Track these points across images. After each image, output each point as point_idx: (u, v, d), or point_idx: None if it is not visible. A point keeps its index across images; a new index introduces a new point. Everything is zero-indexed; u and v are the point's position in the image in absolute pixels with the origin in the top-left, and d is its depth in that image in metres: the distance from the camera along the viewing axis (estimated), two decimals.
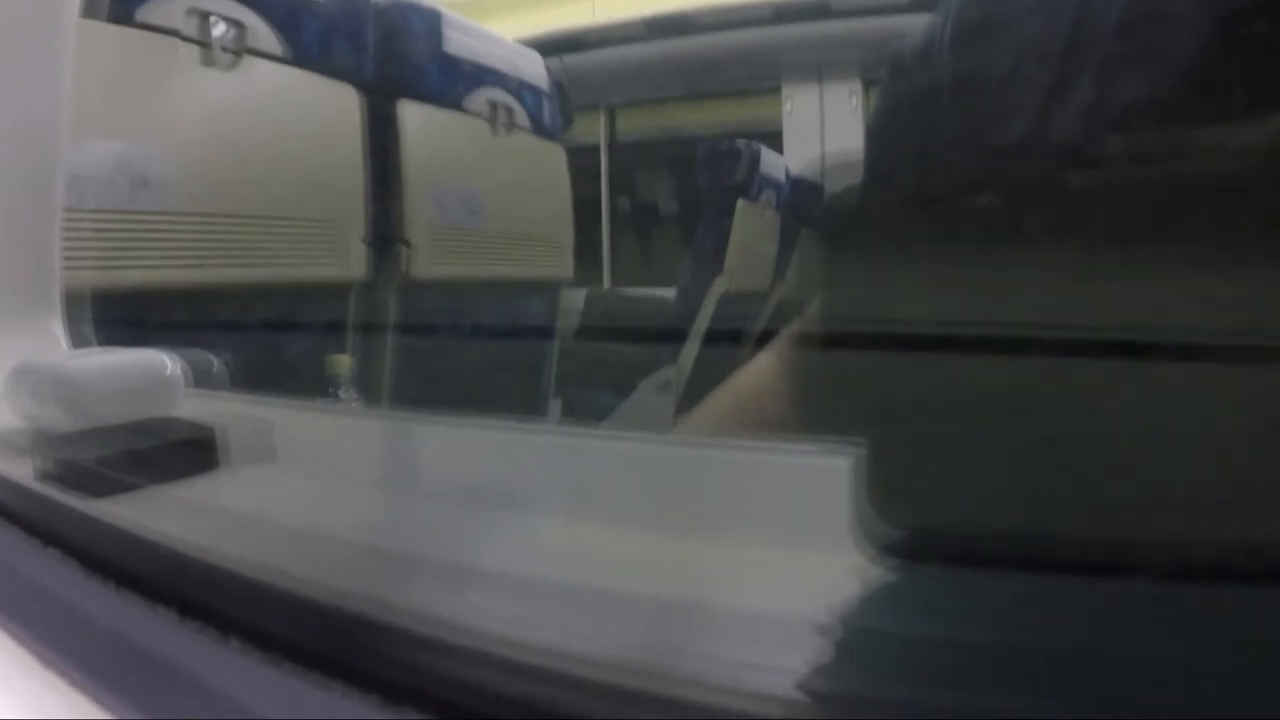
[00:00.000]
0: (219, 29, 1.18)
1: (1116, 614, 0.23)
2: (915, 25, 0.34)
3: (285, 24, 1.27)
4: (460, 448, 0.59)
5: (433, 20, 1.52)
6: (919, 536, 0.28)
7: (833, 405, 0.36)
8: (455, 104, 1.55)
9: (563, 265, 1.79)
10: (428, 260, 1.46)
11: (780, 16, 2.45)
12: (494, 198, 1.60)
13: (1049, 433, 0.25)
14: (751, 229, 2.17)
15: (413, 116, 1.47)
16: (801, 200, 2.33)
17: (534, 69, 1.73)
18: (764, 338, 0.45)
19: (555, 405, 1.74)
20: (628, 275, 2.87)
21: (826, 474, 0.34)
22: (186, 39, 1.15)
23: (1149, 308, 0.24)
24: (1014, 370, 0.26)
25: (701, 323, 2.02)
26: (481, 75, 1.60)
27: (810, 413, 0.41)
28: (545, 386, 1.76)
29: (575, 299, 2.33)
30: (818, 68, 2.45)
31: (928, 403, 0.28)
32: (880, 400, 0.29)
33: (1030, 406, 0.26)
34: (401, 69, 1.48)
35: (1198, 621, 0.22)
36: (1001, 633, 0.24)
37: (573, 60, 2.53)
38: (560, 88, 1.84)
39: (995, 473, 0.26)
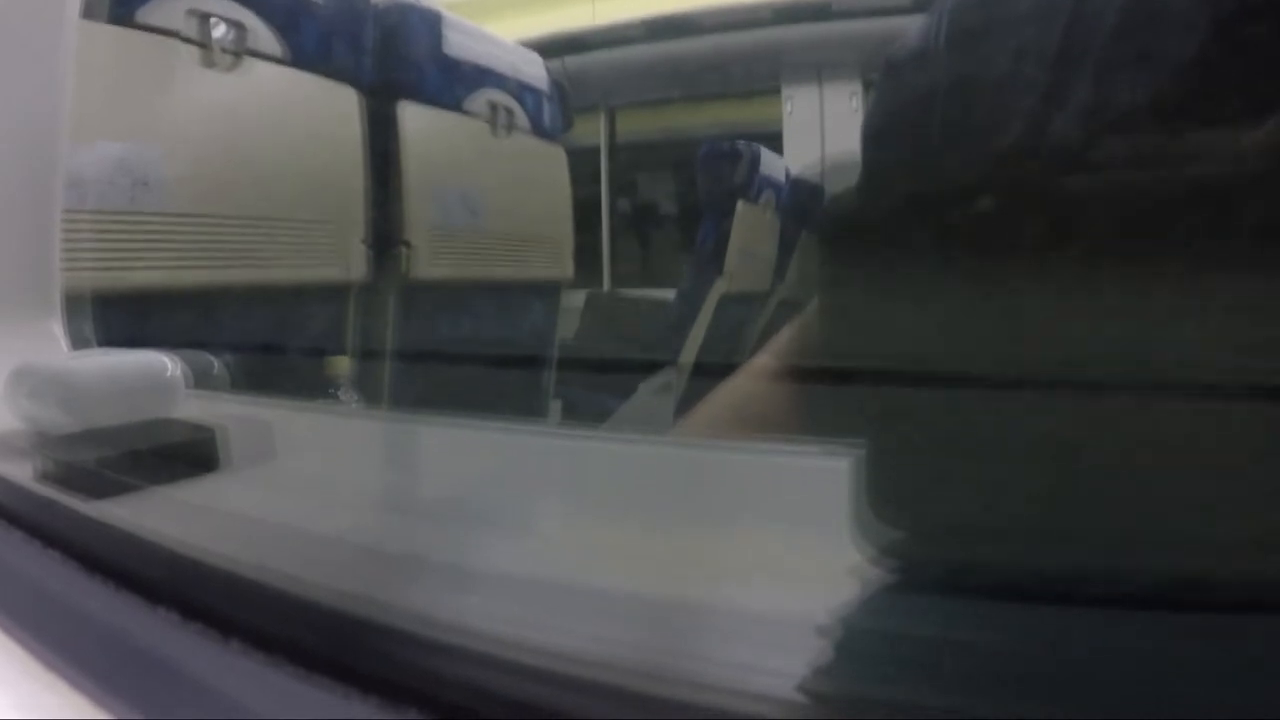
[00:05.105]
0: (219, 30, 1.18)
1: (1115, 617, 0.23)
2: (914, 26, 0.34)
3: (285, 25, 1.27)
4: (460, 449, 0.59)
5: (433, 21, 1.52)
6: (918, 538, 0.28)
7: (830, 407, 0.36)
8: (455, 105, 1.55)
9: (563, 266, 1.80)
10: (428, 261, 1.46)
11: (780, 18, 2.45)
12: (494, 199, 1.60)
13: (1048, 436, 0.25)
14: (751, 230, 2.17)
15: (413, 118, 1.47)
16: (802, 201, 2.33)
17: (534, 70, 1.73)
18: (763, 339, 0.45)
19: (555, 407, 1.74)
20: (628, 277, 2.87)
21: (825, 475, 0.34)
22: (187, 40, 1.15)
23: (1149, 313, 0.24)
24: (1013, 376, 0.26)
25: (701, 324, 2.02)
26: (482, 76, 1.60)
27: (808, 414, 0.41)
28: (545, 388, 1.76)
29: (575, 300, 2.33)
30: (818, 69, 2.45)
31: (927, 405, 0.28)
32: (878, 403, 0.29)
33: (1029, 411, 0.26)
34: (402, 70, 1.48)
35: (1194, 631, 0.22)
36: (1000, 635, 0.24)
37: (573, 61, 2.53)
38: (560, 89, 1.84)
39: (994, 475, 0.26)
